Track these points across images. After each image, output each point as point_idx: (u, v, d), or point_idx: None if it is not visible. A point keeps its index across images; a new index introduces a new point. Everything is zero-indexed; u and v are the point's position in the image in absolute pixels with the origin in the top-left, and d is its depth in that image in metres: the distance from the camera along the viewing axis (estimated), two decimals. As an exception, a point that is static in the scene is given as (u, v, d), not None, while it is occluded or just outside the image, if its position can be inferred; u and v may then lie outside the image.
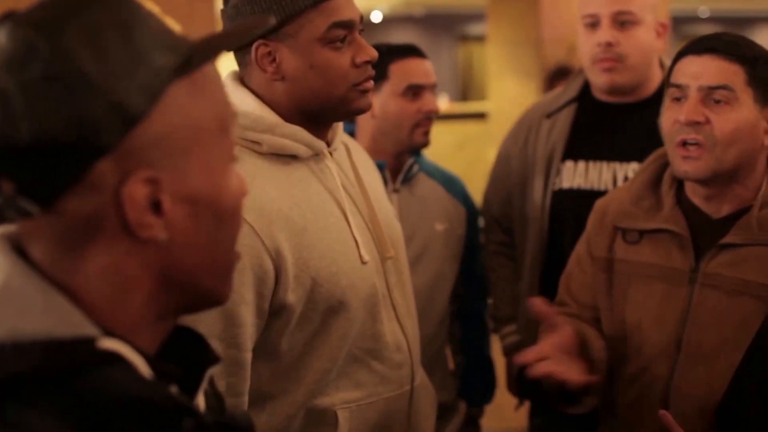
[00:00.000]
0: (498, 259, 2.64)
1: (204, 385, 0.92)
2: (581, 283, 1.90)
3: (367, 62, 1.58)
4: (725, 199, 1.74)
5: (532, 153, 2.47)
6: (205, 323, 1.42)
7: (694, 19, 16.98)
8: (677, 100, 1.71)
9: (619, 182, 2.31)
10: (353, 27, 1.57)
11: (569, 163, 2.40)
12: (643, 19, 2.28)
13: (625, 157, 2.33)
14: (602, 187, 2.33)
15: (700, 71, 1.68)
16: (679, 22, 8.77)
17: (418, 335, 1.76)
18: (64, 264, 0.81)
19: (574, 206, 2.34)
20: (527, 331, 2.48)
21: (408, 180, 2.43)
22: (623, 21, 2.27)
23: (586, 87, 2.45)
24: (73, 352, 0.78)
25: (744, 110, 1.66)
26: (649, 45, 2.31)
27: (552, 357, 1.65)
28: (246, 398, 1.52)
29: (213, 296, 0.92)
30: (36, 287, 0.80)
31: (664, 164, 1.83)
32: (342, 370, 1.59)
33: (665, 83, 1.78)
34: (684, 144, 1.68)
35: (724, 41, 1.71)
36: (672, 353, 1.71)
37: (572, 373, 1.65)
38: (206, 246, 0.87)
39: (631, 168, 2.30)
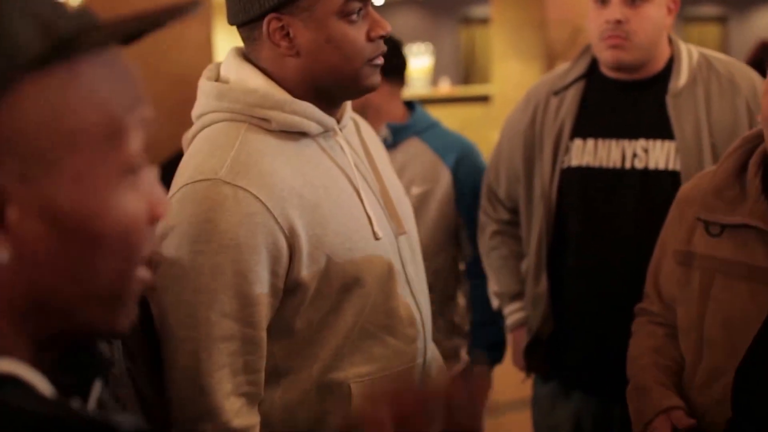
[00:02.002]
0: (501, 238, 2.66)
1: (96, 393, 0.82)
2: (666, 274, 1.85)
3: (381, 36, 1.58)
4: None
5: (539, 131, 2.47)
6: (220, 303, 1.45)
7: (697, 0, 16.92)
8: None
9: (628, 160, 2.32)
10: (367, 1, 1.56)
11: (578, 141, 2.39)
12: None
13: (634, 134, 2.33)
14: (611, 165, 2.33)
15: None
16: (681, 1, 8.76)
17: (430, 309, 1.77)
18: None
19: (583, 184, 2.36)
20: (534, 308, 2.52)
21: (392, 146, 2.57)
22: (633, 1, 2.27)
23: (594, 64, 2.45)
24: None
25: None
26: (659, 22, 2.30)
27: None
28: (262, 375, 1.53)
29: (100, 327, 0.79)
30: None
31: (752, 149, 1.74)
32: (356, 345, 1.60)
33: None
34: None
35: None
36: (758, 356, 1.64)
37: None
38: (73, 273, 0.74)
39: (640, 145, 2.31)
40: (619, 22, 2.25)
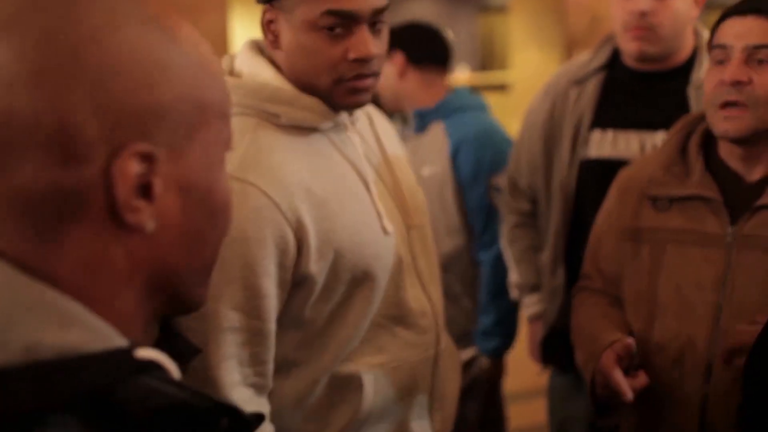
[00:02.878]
0: (522, 229, 2.67)
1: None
2: (606, 254, 1.90)
3: (360, 59, 1.51)
4: (761, 159, 1.74)
5: (558, 121, 2.46)
6: (228, 296, 1.46)
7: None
8: (720, 62, 1.70)
9: (647, 152, 2.29)
10: (354, 19, 1.49)
11: (597, 132, 2.38)
12: None
13: (653, 126, 2.31)
14: (630, 157, 2.31)
15: (744, 31, 1.67)
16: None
17: (442, 300, 1.78)
18: (39, 254, 0.71)
19: (602, 176, 2.31)
20: (551, 300, 2.53)
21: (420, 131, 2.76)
22: None
23: (615, 54, 2.42)
24: (117, 365, 0.69)
25: None
26: (684, 14, 2.28)
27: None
28: (271, 366, 1.54)
29: (192, 300, 0.84)
30: (35, 291, 0.69)
31: (689, 132, 1.83)
32: (366, 336, 1.61)
33: (708, 47, 1.77)
34: (725, 105, 1.68)
35: None
36: (713, 316, 1.71)
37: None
38: (195, 244, 0.79)
39: (659, 137, 2.28)
40: (644, 14, 2.23)
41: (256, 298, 1.48)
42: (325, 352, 1.59)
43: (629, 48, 2.30)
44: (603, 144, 2.37)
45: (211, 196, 0.79)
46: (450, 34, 3.11)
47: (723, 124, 1.69)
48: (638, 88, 2.37)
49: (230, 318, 1.47)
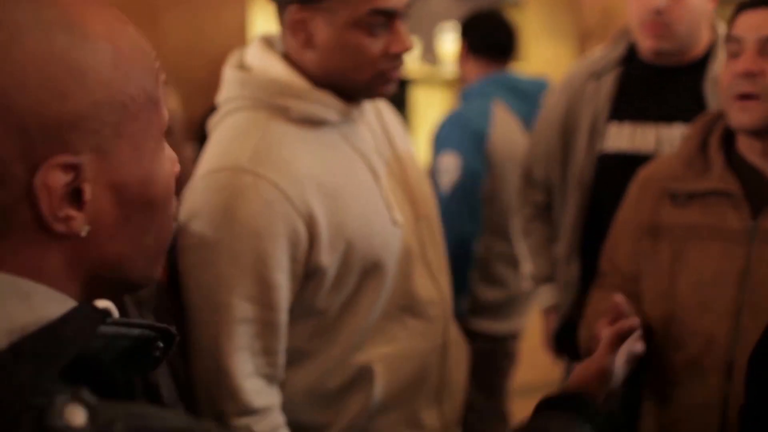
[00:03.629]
0: (537, 222, 2.69)
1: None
2: (625, 253, 1.88)
3: (400, 53, 1.57)
4: None
5: (575, 115, 2.47)
6: (240, 287, 1.49)
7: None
8: (735, 55, 1.71)
9: (664, 145, 2.31)
10: (394, 15, 1.54)
11: (614, 125, 2.39)
12: None
13: (670, 119, 2.32)
14: (647, 150, 2.32)
15: (758, 23, 1.68)
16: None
17: (450, 289, 1.81)
18: None
19: (619, 169, 2.32)
20: (563, 293, 2.55)
21: None
22: None
23: (631, 48, 2.43)
24: (86, 319, 0.73)
25: None
26: (699, 9, 2.28)
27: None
28: (282, 356, 1.57)
29: (141, 282, 0.85)
30: None
31: (710, 128, 1.82)
32: (377, 326, 1.64)
33: (725, 39, 1.77)
34: (741, 97, 1.68)
35: None
36: (734, 312, 1.69)
37: None
38: (136, 236, 0.79)
39: (676, 130, 2.30)
40: (659, 11, 2.23)
41: (269, 290, 1.51)
42: (336, 342, 1.62)
43: (645, 45, 2.31)
44: (620, 137, 2.37)
45: (148, 186, 0.79)
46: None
47: (738, 115, 1.69)
48: (655, 83, 2.38)
49: (243, 309, 1.50)
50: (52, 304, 0.73)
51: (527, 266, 2.76)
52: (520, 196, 2.74)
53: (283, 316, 1.55)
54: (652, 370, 1.78)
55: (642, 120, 2.36)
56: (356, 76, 1.57)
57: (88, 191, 0.73)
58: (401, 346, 1.67)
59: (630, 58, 2.43)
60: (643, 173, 1.91)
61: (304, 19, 1.55)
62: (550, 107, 2.59)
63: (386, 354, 1.66)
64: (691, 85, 2.32)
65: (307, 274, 1.56)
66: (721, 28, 2.36)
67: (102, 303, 0.76)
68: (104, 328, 0.74)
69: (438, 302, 1.73)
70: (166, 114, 0.81)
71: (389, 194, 1.66)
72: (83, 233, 0.74)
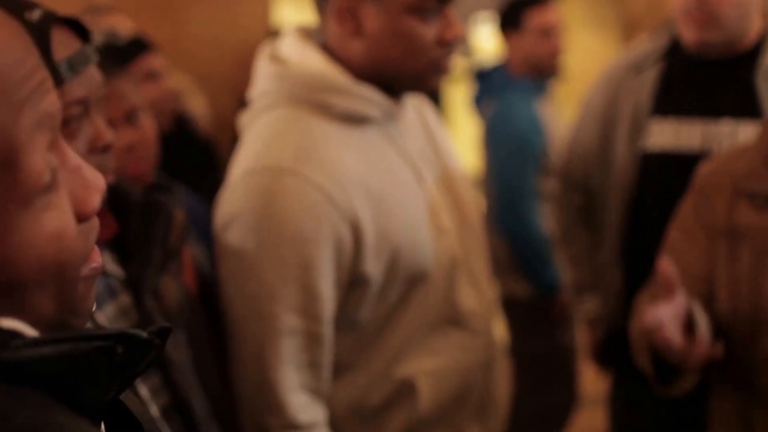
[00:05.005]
0: (577, 230, 2.62)
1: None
2: (693, 257, 1.78)
3: (454, 40, 1.54)
4: None
5: (617, 112, 2.39)
6: (284, 296, 1.45)
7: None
8: None
9: (711, 142, 2.22)
10: (447, 1, 1.52)
11: (657, 120, 2.31)
12: None
13: (717, 114, 2.23)
14: (693, 148, 2.24)
15: None
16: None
17: (493, 301, 1.76)
18: None
19: (662, 170, 2.28)
20: (608, 301, 2.47)
21: None
22: None
23: (675, 41, 2.35)
24: None
25: None
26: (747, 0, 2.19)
27: (669, 325, 1.55)
28: (328, 370, 1.53)
29: (53, 317, 0.68)
30: None
31: None
32: (420, 338, 1.60)
33: None
34: None
35: None
36: None
37: (690, 346, 1.57)
38: (12, 313, 0.63)
39: (724, 126, 2.21)
40: (704, 1, 2.15)
41: (314, 299, 1.47)
42: (379, 355, 1.58)
43: (690, 36, 2.22)
44: (663, 134, 2.29)
45: (9, 268, 0.62)
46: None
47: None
48: (700, 76, 2.29)
49: (288, 320, 1.46)
50: None
51: (569, 275, 2.69)
52: (560, 201, 2.67)
53: (328, 328, 1.51)
54: (730, 366, 1.69)
55: (687, 115, 2.27)
56: (409, 65, 1.53)
57: None
58: (445, 360, 1.63)
59: (674, 51, 2.34)
60: (709, 168, 1.82)
61: (352, 6, 1.50)
62: (589, 104, 2.52)
63: (429, 368, 1.62)
64: (740, 78, 2.23)
65: (351, 284, 1.51)
66: None
67: (7, 322, 0.62)
68: (8, 354, 0.59)
69: (482, 314, 1.68)
70: (38, 156, 0.61)
71: (435, 198, 1.61)
72: None
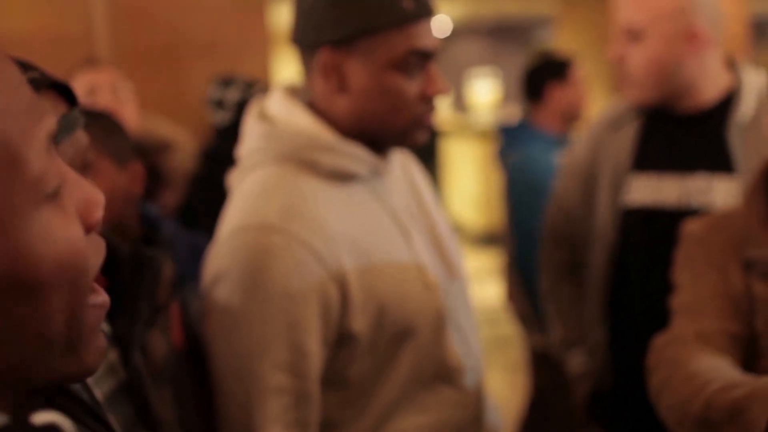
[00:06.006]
0: (563, 285, 2.61)
1: None
2: (726, 315, 1.60)
3: (436, 95, 1.54)
4: None
5: (597, 167, 2.41)
6: (272, 354, 1.42)
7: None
8: None
9: (688, 197, 2.23)
10: (430, 57, 1.52)
11: (636, 176, 2.32)
12: (651, 31, 2.17)
13: (692, 168, 2.24)
14: (670, 203, 2.25)
15: None
16: (760, 25, 8.65)
17: (481, 355, 1.73)
18: None
19: (642, 225, 2.28)
20: (594, 356, 2.46)
21: None
22: (631, 35, 2.19)
23: None
24: None
25: None
26: (659, 57, 2.18)
27: None
28: (315, 428, 1.50)
29: (67, 375, 0.68)
30: None
31: None
32: (409, 395, 1.57)
33: None
34: None
35: None
36: None
37: None
38: (19, 334, 0.62)
39: (699, 180, 2.22)
40: (617, 62, 2.20)
41: (302, 357, 1.44)
42: (367, 412, 1.55)
43: (630, 98, 2.28)
44: (642, 189, 2.30)
45: (20, 267, 0.61)
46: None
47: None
48: (674, 131, 2.30)
49: (275, 379, 1.43)
50: None
51: (555, 331, 2.66)
52: (545, 256, 2.65)
53: (316, 386, 1.48)
54: None
55: (663, 170, 2.29)
56: (393, 120, 1.52)
57: None
58: (435, 417, 1.60)
59: (649, 109, 2.36)
60: (700, 227, 1.73)
61: (337, 62, 1.50)
62: (572, 161, 2.54)
63: (419, 425, 1.58)
64: (711, 132, 2.24)
65: (339, 341, 1.50)
66: (748, 74, 2.28)
67: (43, 417, 0.62)
68: None
69: (471, 369, 1.66)
70: (40, 160, 0.63)
71: (421, 254, 1.60)
72: None
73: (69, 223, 0.65)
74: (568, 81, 3.66)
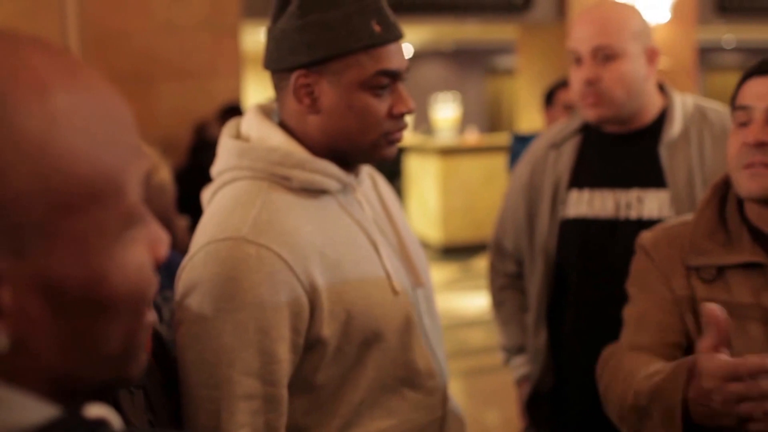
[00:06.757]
0: (508, 292, 2.68)
1: None
2: (667, 326, 1.68)
3: (403, 114, 1.57)
4: None
5: (539, 184, 2.49)
6: (242, 361, 1.42)
7: (719, 49, 16.95)
8: (743, 124, 1.63)
9: (622, 210, 2.30)
10: (398, 77, 1.55)
11: (574, 192, 2.40)
12: (624, 51, 2.25)
13: (627, 184, 2.32)
14: (606, 215, 2.33)
15: (766, 92, 1.60)
16: (705, 51, 8.76)
17: (446, 361, 1.75)
18: None
19: (580, 236, 2.35)
20: (534, 362, 2.53)
21: None
22: (603, 56, 2.25)
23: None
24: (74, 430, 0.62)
25: None
26: (634, 75, 2.27)
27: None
28: None
29: (115, 383, 0.72)
30: None
31: (722, 197, 1.73)
32: (376, 399, 1.58)
33: (731, 106, 1.69)
34: (750, 165, 1.59)
35: None
36: None
37: None
38: (85, 345, 0.66)
39: (634, 194, 2.30)
40: (590, 82, 2.26)
41: (271, 363, 1.44)
42: (335, 416, 1.55)
43: (587, 115, 2.33)
44: (579, 203, 2.38)
45: (96, 288, 0.65)
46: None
47: (748, 183, 1.59)
48: (611, 149, 2.39)
49: (245, 385, 1.43)
50: (26, 411, 0.60)
51: (500, 337, 2.72)
52: (492, 267, 2.73)
53: (284, 391, 1.48)
54: None
55: (600, 186, 2.37)
56: (362, 137, 1.55)
57: (7, 296, 0.60)
58: (400, 420, 1.61)
59: (587, 128, 2.46)
60: (653, 241, 1.79)
61: (309, 83, 1.53)
62: (516, 178, 2.61)
63: (385, 428, 1.59)
64: (645, 150, 2.33)
65: (308, 346, 1.50)
66: (676, 96, 2.39)
67: (95, 410, 0.64)
68: None
69: (437, 374, 1.68)
70: (136, 193, 0.68)
71: (388, 263, 1.62)
72: (4, 345, 0.60)
73: (143, 253, 0.70)
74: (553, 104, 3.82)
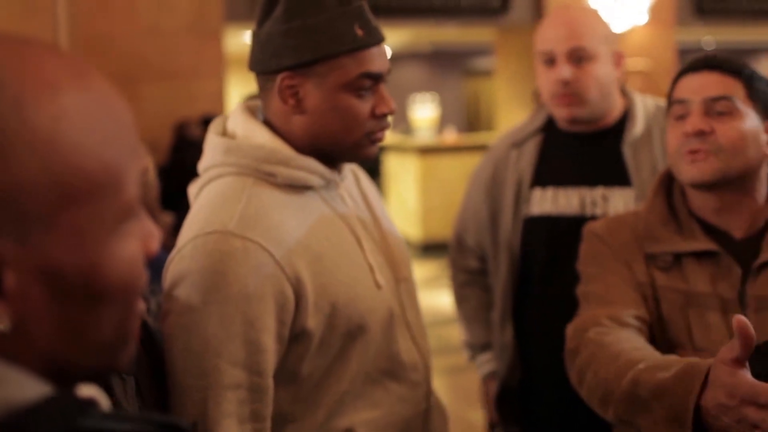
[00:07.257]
0: (471, 288, 2.66)
1: None
2: (630, 300, 1.69)
3: (386, 114, 1.59)
4: (735, 211, 1.69)
5: (500, 182, 2.49)
6: (228, 351, 1.43)
7: (699, 50, 17.06)
8: (681, 117, 1.69)
9: (587, 207, 2.32)
10: (380, 79, 1.58)
11: (538, 190, 2.41)
12: (597, 53, 2.29)
13: (592, 182, 2.35)
14: (571, 212, 2.34)
15: (701, 85, 1.68)
16: (684, 53, 8.83)
17: (430, 353, 1.76)
18: None
19: (544, 232, 2.37)
20: (501, 358, 2.52)
21: None
22: (578, 57, 2.28)
23: (550, 117, 2.47)
24: (63, 409, 0.63)
25: (747, 120, 1.65)
26: (606, 78, 2.31)
27: None
28: (269, 422, 1.51)
29: (106, 370, 0.75)
30: None
31: (668, 189, 1.80)
32: (360, 391, 1.60)
33: (667, 102, 1.77)
34: (691, 152, 1.65)
35: (721, 58, 1.73)
36: None
37: None
38: (80, 331, 0.69)
39: (599, 193, 2.33)
40: (566, 82, 2.28)
41: (257, 353, 1.46)
42: (319, 407, 1.56)
43: (560, 114, 2.35)
44: (544, 201, 2.39)
45: (95, 277, 0.68)
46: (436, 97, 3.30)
47: (689, 168, 1.65)
48: (574, 149, 2.41)
49: (231, 375, 1.44)
50: (23, 388, 0.63)
51: (464, 334, 2.70)
52: (453, 264, 2.71)
53: (270, 381, 1.49)
54: None
55: (565, 185, 2.38)
56: (345, 137, 1.57)
57: (10, 279, 0.63)
58: (384, 412, 1.62)
59: (549, 127, 2.47)
60: (606, 229, 1.83)
61: (294, 84, 1.55)
62: (476, 177, 2.61)
63: (369, 419, 1.60)
64: (609, 149, 2.36)
65: (293, 338, 1.51)
66: (637, 96, 2.43)
67: (86, 390, 0.68)
68: (85, 422, 0.63)
69: (420, 367, 1.69)
70: (133, 190, 0.71)
71: (371, 257, 1.63)
72: (5, 326, 0.63)
73: (136, 247, 0.72)
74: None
